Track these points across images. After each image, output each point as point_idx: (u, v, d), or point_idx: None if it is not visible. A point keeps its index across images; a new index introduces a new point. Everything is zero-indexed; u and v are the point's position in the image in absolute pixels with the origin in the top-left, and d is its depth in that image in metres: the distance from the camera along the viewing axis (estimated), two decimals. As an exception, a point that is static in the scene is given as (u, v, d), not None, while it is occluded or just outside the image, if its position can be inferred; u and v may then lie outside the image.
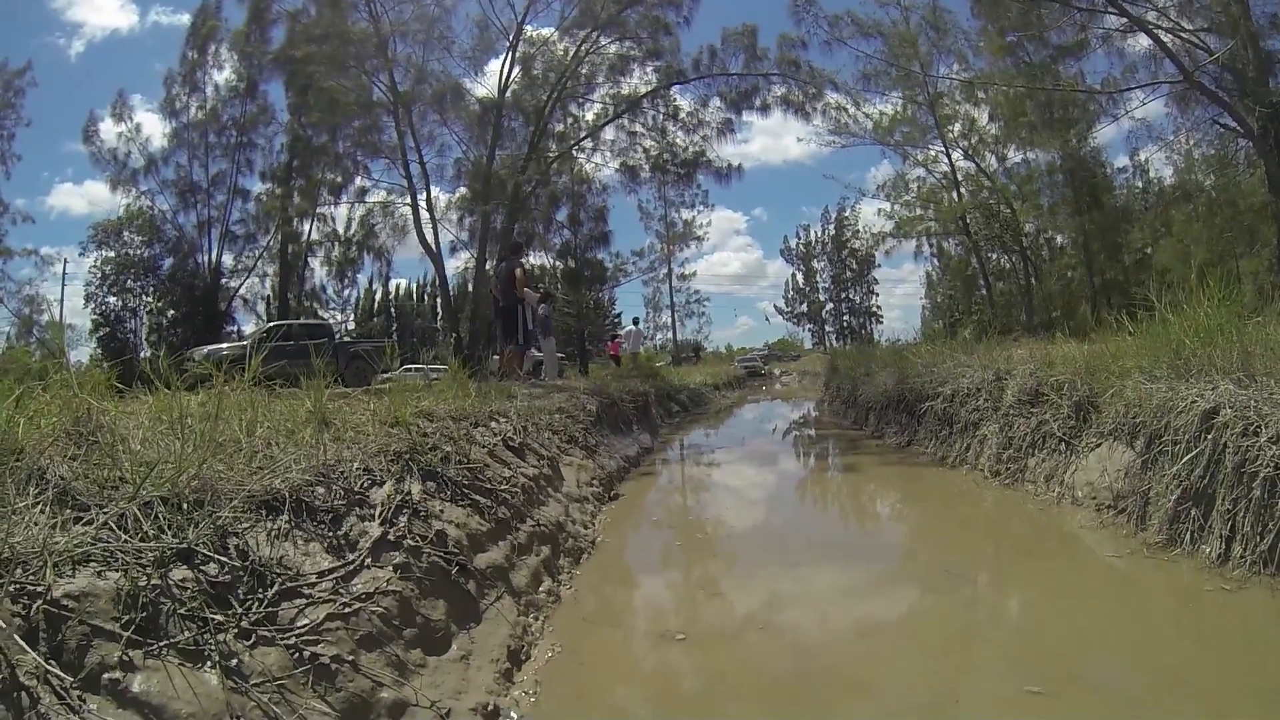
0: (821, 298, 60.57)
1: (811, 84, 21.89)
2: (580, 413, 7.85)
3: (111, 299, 28.57)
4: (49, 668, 1.43)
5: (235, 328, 28.17)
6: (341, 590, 2.26)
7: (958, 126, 27.09)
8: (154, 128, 29.52)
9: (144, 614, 1.68)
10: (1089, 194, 24.65)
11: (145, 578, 1.76)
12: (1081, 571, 3.83)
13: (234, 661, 1.74)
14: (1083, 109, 21.99)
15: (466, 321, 19.74)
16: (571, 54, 19.70)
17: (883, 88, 24.92)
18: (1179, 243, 22.45)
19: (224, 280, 28.28)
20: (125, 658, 1.56)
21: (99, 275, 28.51)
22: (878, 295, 59.84)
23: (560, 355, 25.40)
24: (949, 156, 27.69)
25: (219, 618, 1.80)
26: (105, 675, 1.51)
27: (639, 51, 20.51)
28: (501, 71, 19.45)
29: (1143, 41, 18.25)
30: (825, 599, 3.77)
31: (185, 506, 2.09)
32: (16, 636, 1.43)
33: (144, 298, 28.56)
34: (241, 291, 29.10)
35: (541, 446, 5.60)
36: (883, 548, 5.05)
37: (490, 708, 2.37)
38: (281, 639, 1.91)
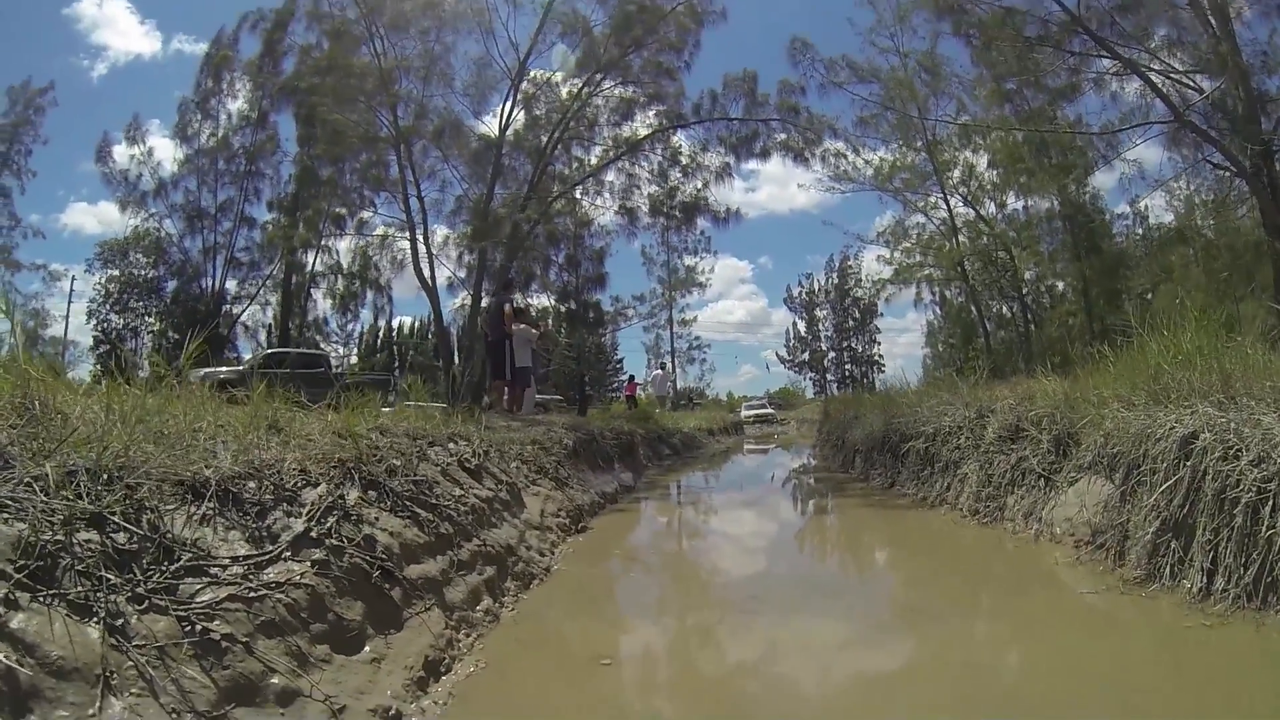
0: (823, 346, 60.71)
1: (811, 130, 22.10)
2: (555, 446, 7.91)
3: (114, 317, 29.08)
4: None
5: (235, 354, 28.38)
6: (251, 577, 2.32)
7: (957, 173, 27.28)
8: (166, 152, 30.18)
9: (40, 564, 1.77)
10: (1087, 239, 24.64)
11: (50, 532, 1.85)
12: (1054, 609, 3.70)
13: (120, 621, 1.81)
14: (1079, 154, 22.03)
15: (462, 358, 19.82)
16: (574, 95, 20.09)
17: (881, 134, 25.15)
18: (1179, 287, 22.41)
19: (226, 306, 28.67)
20: (10, 597, 1.65)
21: (103, 293, 29.07)
22: (879, 344, 59.95)
23: (557, 398, 25.48)
24: (947, 203, 27.82)
25: (114, 580, 1.88)
26: (-14, 614, 1.59)
27: (641, 96, 20.92)
28: (503, 111, 19.90)
29: (1134, 84, 18.44)
30: (774, 634, 3.61)
31: (108, 479, 2.19)
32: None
33: (146, 318, 29.03)
34: (244, 318, 29.53)
35: (502, 472, 5.64)
36: (847, 587, 4.90)
37: (392, 711, 2.39)
38: (176, 610, 1.97)
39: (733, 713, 2.75)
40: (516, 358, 11.58)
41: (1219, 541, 3.22)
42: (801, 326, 61.02)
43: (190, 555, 2.17)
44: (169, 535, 2.17)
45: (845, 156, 24.69)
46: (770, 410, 41.51)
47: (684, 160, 21.51)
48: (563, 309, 23.93)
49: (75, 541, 1.90)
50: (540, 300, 22.89)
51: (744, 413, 40.47)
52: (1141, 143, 19.80)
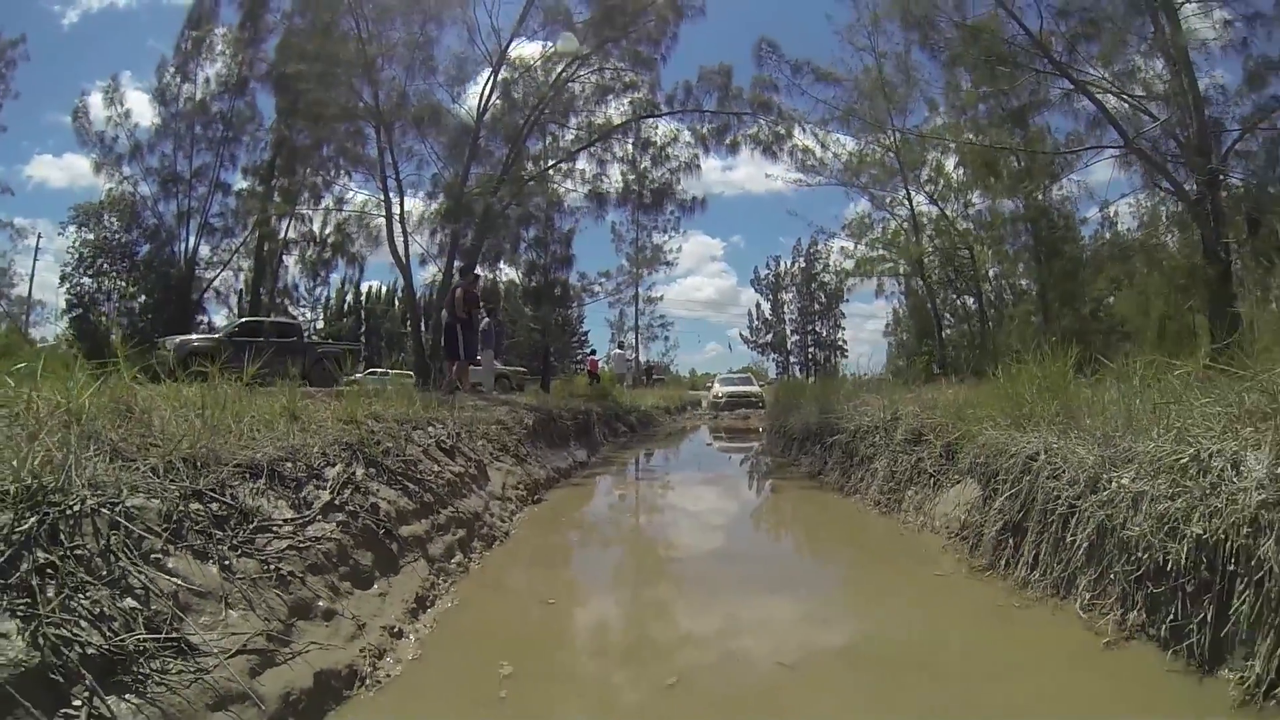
0: (787, 329, 61.63)
1: (781, 123, 22.95)
2: (516, 426, 8.85)
3: (87, 280, 29.17)
4: (122, 543, 2.41)
5: (206, 319, 28.85)
6: (299, 533, 3.27)
7: (925, 171, 28.14)
8: (141, 106, 30.06)
9: (173, 526, 2.66)
10: (1048, 245, 25.38)
11: (173, 504, 2.75)
12: (906, 582, 4.51)
13: (226, 562, 2.73)
14: (1045, 160, 22.59)
15: (430, 333, 20.55)
16: (551, 81, 20.75)
17: (851, 131, 25.97)
18: (1139, 295, 23.14)
19: (199, 271, 28.88)
20: (164, 547, 2.54)
21: (76, 256, 29.14)
22: (844, 329, 61.04)
23: (521, 370, 26.27)
24: (910, 201, 28.72)
25: (219, 535, 2.81)
26: (151, 555, 2.48)
27: (618, 84, 21.64)
28: (482, 95, 20.47)
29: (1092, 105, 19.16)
30: (680, 585, 4.72)
31: (197, 465, 3.10)
32: (98, 523, 2.41)
33: (118, 281, 29.13)
34: (215, 284, 29.71)
35: (471, 451, 6.60)
36: (745, 553, 5.83)
37: (396, 629, 3.35)
38: (258, 555, 2.91)
39: (638, 634, 3.79)
40: (465, 339, 12.40)
41: (1041, 543, 3.96)
42: (766, 308, 61.90)
43: (260, 519, 3.10)
44: (244, 505, 3.09)
45: (813, 153, 25.52)
46: (756, 389, 29.16)
47: (653, 151, 22.31)
48: (530, 284, 24.70)
49: (189, 510, 2.81)
50: (510, 274, 23.79)
51: (716, 389, 29.67)
52: (1096, 162, 20.73)
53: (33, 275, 30.49)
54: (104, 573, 2.22)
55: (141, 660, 2.07)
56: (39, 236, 30.24)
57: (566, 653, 3.54)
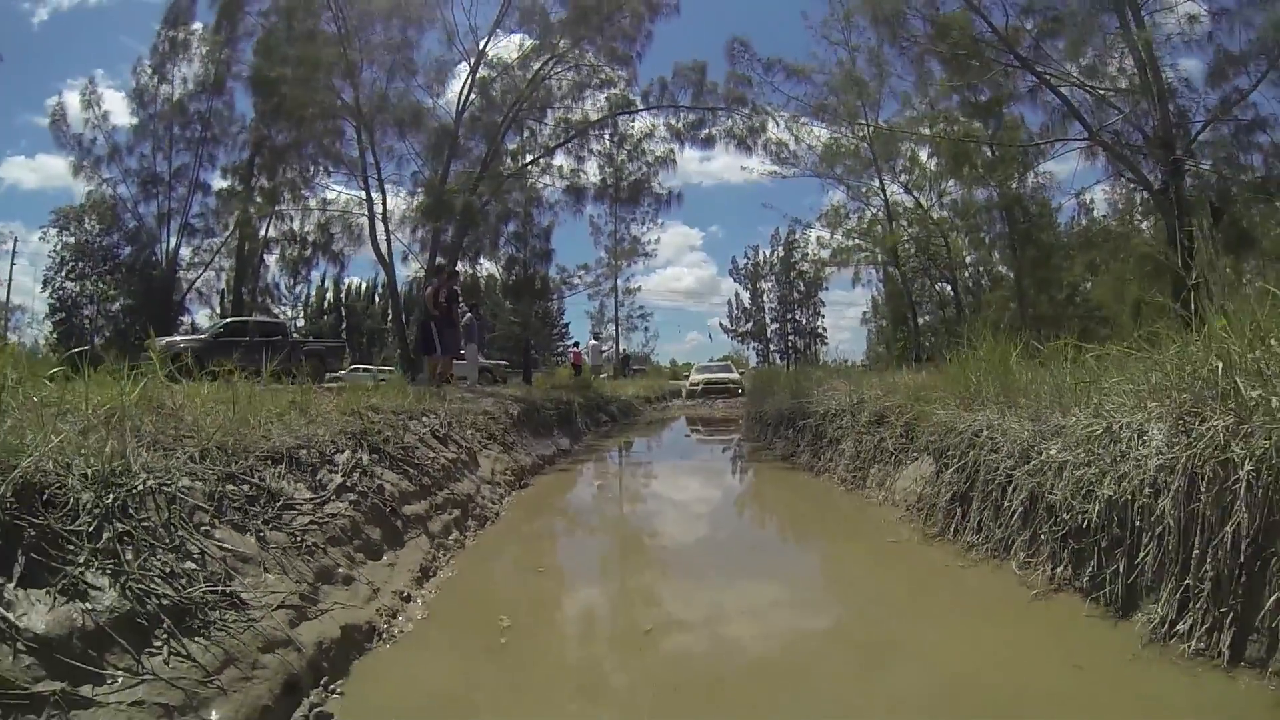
0: (766, 318, 61.94)
1: (755, 118, 23.31)
2: (503, 416, 9.28)
3: (70, 284, 29.15)
4: (179, 517, 2.81)
5: (189, 319, 28.92)
6: (318, 511, 3.68)
7: (900, 162, 28.48)
8: (118, 106, 29.76)
9: (216, 504, 3.07)
10: (1022, 231, 25.54)
11: (213, 485, 3.15)
12: (863, 549, 4.99)
13: (261, 534, 3.15)
14: (1018, 151, 22.70)
15: (413, 329, 20.83)
16: (529, 78, 21.06)
17: (824, 121, 26.28)
18: (1115, 280, 23.64)
19: (180, 272, 28.94)
20: (211, 521, 2.96)
21: (58, 260, 29.12)
22: (823, 317, 61.40)
23: (503, 364, 26.59)
24: (884, 192, 29.12)
25: (253, 511, 3.22)
26: (201, 527, 2.90)
27: (594, 80, 21.98)
28: (461, 94, 20.81)
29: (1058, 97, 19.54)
30: (656, 555, 5.29)
31: (228, 452, 3.49)
32: (159, 500, 2.81)
33: (99, 284, 29.08)
34: (197, 284, 29.74)
35: (462, 439, 7.03)
36: (717, 528, 6.37)
37: (405, 594, 3.79)
38: (286, 529, 3.33)
39: (620, 594, 4.28)
40: (444, 335, 12.66)
41: (984, 510, 4.37)
42: (745, 297, 62.14)
43: (285, 498, 3.51)
44: (270, 486, 3.50)
45: (787, 146, 25.88)
46: (734, 376, 28.41)
47: (630, 146, 22.66)
48: (510, 278, 24.99)
49: (226, 490, 3.21)
50: (490, 268, 24.12)
51: (693, 376, 29.47)
52: (1066, 153, 21.19)
53: (10, 280, 30.40)
54: (167, 541, 2.64)
55: (205, 610, 2.48)
56: (15, 240, 30.03)
57: (557, 610, 4.03)
